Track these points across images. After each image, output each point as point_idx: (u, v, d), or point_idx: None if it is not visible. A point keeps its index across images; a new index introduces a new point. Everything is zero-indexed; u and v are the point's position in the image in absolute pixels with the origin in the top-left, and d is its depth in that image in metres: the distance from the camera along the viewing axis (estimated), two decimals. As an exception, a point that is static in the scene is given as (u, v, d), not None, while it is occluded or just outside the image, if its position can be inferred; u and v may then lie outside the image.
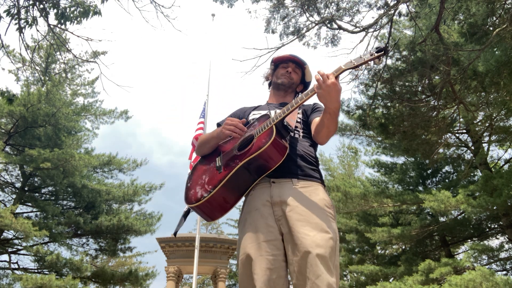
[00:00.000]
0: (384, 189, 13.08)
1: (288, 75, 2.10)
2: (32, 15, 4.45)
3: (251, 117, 2.04)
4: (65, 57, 14.95)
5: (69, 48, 6.30)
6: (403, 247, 14.55)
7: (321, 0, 6.47)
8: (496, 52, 6.57)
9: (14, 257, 12.71)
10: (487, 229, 12.66)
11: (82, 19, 4.40)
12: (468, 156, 12.64)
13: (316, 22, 6.53)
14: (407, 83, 7.70)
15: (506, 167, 11.81)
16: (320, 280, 1.48)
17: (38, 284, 9.92)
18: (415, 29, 6.63)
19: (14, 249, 12.62)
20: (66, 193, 13.69)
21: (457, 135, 12.06)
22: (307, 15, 6.62)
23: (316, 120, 1.89)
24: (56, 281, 10.19)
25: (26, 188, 13.17)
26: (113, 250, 13.74)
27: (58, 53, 11.65)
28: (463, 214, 11.71)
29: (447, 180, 13.76)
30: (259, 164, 1.70)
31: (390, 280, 12.34)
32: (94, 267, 13.29)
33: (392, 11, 6.05)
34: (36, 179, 13.54)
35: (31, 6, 4.43)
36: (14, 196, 13.18)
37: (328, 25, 6.54)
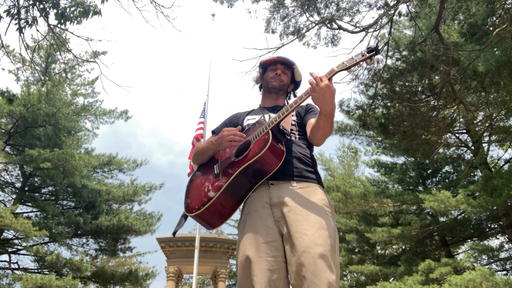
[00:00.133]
0: (384, 189, 13.08)
1: (278, 78, 2.11)
2: (32, 15, 4.45)
3: (245, 122, 2.04)
4: (65, 57, 14.96)
5: (69, 48, 6.30)
6: (403, 247, 14.55)
7: (321, 0, 6.47)
8: (496, 52, 6.56)
9: (14, 257, 12.73)
10: (487, 229, 12.65)
11: (82, 19, 4.40)
12: (468, 156, 12.64)
13: (316, 22, 6.53)
14: (407, 83, 7.70)
15: (506, 167, 11.81)
16: (319, 279, 1.48)
17: (38, 284, 9.92)
18: (415, 29, 6.62)
19: (14, 249, 12.62)
20: (66, 193, 13.69)
21: (457, 135, 12.06)
22: (307, 15, 6.62)
23: (311, 121, 1.90)
24: (56, 281, 10.19)
25: (26, 188, 13.17)
26: (113, 250, 13.74)
27: (58, 53, 11.65)
28: (463, 214, 11.71)
29: (447, 180, 13.76)
30: (257, 169, 1.71)
31: (390, 280, 12.34)
32: (94, 267, 13.28)
33: (392, 11, 6.05)
34: (36, 179, 13.54)
35: (31, 6, 4.44)
36: (14, 196, 13.18)
37: (328, 25, 6.55)
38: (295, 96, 2.24)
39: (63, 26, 4.45)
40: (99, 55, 13.10)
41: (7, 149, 12.76)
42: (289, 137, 1.87)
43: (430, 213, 12.94)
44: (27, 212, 13.26)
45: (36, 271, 12.01)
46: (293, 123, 1.98)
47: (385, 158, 14.99)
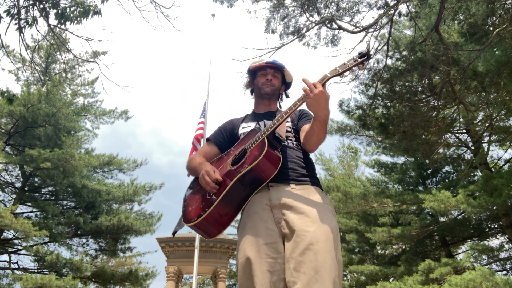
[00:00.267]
0: (384, 189, 13.08)
1: (269, 83, 2.11)
2: (32, 15, 4.45)
3: (241, 130, 2.05)
4: (65, 57, 14.97)
5: (69, 48, 6.30)
6: (403, 247, 14.55)
7: (321, 0, 6.47)
8: (496, 52, 6.56)
9: (14, 257, 12.73)
10: (487, 229, 12.66)
11: (82, 19, 4.40)
12: (468, 156, 12.65)
13: (316, 22, 6.53)
14: (407, 83, 7.69)
15: (506, 167, 11.81)
16: (320, 275, 1.48)
17: (38, 284, 9.92)
18: (415, 29, 6.62)
19: (14, 249, 12.62)
20: (66, 193, 13.69)
21: (457, 135, 12.06)
22: (307, 15, 6.62)
23: (304, 127, 1.92)
24: (56, 281, 10.19)
25: (26, 188, 13.17)
26: (113, 250, 13.74)
27: (58, 53, 11.66)
28: (463, 214, 11.71)
29: (447, 180, 13.76)
30: (254, 177, 1.72)
31: (390, 280, 12.34)
32: (94, 267, 13.29)
33: (392, 11, 6.05)
34: (36, 179, 13.54)
35: (31, 6, 4.43)
36: (14, 196, 13.18)
37: (328, 25, 6.54)
38: (287, 96, 2.26)
39: (63, 26, 4.46)
40: (99, 55, 13.11)
41: (7, 149, 12.76)
42: (284, 144, 1.88)
43: (430, 213, 12.95)
44: (27, 212, 13.26)
45: (36, 271, 12.01)
46: (289, 129, 2.00)
47: (385, 158, 15.01)
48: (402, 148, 10.30)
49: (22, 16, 4.39)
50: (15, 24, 4.32)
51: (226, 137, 2.09)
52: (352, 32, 6.32)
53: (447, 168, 14.16)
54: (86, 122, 15.09)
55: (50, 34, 5.84)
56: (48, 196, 13.85)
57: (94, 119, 14.98)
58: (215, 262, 13.28)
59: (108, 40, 13.31)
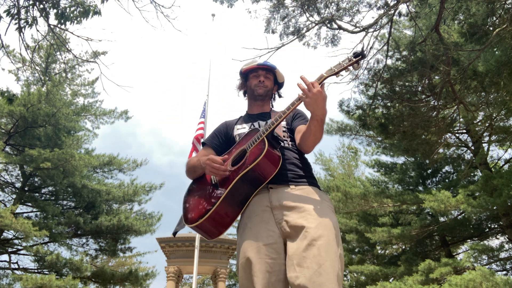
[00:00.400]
0: (384, 189, 13.09)
1: (262, 85, 2.12)
2: (32, 15, 4.45)
3: (235, 132, 2.06)
4: (65, 57, 14.97)
5: (69, 48, 6.30)
6: (403, 247, 14.55)
7: (321, 0, 6.47)
8: (496, 52, 6.56)
9: (14, 257, 12.74)
10: (487, 229, 12.66)
11: (82, 19, 4.40)
12: (468, 156, 12.65)
13: (316, 22, 6.53)
14: (407, 83, 7.70)
15: (506, 167, 11.81)
16: (324, 269, 1.49)
17: (38, 284, 9.92)
18: (415, 29, 6.62)
19: (14, 249, 12.62)
20: (66, 193, 13.69)
21: (457, 135, 12.06)
22: (307, 15, 6.61)
23: (300, 128, 1.93)
24: (56, 281, 10.19)
25: (26, 188, 13.18)
26: (113, 250, 13.74)
27: (58, 53, 11.66)
28: (463, 214, 11.71)
29: (447, 180, 13.76)
30: (255, 176, 1.72)
31: (390, 280, 12.34)
32: (94, 267, 13.28)
33: (392, 11, 6.05)
34: (36, 179, 13.54)
35: (31, 6, 4.43)
36: (14, 196, 13.18)
37: (328, 25, 6.54)
38: (280, 96, 2.27)
39: (63, 26, 4.45)
40: (99, 55, 13.12)
41: (7, 149, 12.76)
42: (283, 143, 1.89)
43: (430, 213, 12.94)
44: (27, 212, 13.26)
45: (36, 271, 12.01)
46: (284, 129, 2.01)
47: (385, 158, 15.01)
48: (402, 148, 10.30)
49: (22, 16, 4.39)
50: (15, 24, 4.32)
51: (222, 139, 2.10)
52: (352, 32, 6.32)
53: (447, 168, 14.16)
54: (86, 122, 15.10)
55: (50, 34, 5.84)
56: (48, 196, 13.85)
57: (94, 119, 14.98)
58: (215, 262, 13.28)
59: (108, 40, 13.31)
